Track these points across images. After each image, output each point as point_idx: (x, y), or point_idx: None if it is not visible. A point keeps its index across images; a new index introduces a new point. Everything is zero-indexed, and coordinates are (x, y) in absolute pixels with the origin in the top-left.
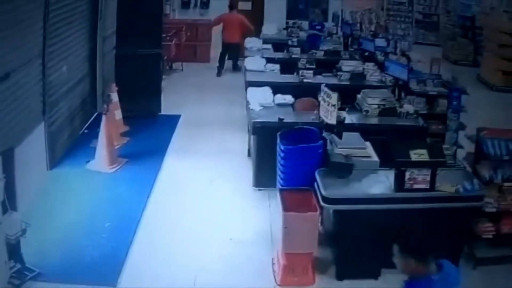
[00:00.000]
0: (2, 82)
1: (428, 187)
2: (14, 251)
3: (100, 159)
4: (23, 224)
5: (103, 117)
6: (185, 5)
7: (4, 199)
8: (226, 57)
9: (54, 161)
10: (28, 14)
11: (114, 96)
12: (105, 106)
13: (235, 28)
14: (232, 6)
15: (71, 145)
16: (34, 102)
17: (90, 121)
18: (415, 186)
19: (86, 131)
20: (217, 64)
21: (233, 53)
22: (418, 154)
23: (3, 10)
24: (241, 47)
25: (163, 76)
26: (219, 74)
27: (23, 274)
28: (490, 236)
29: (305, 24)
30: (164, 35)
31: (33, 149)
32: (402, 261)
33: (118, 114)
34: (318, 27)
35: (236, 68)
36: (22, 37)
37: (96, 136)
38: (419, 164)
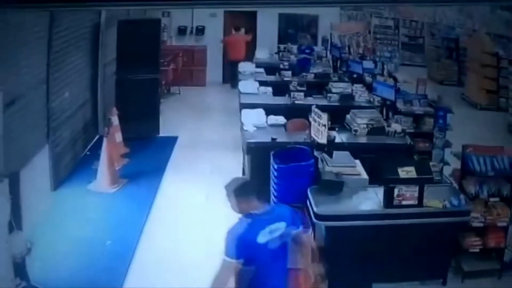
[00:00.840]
0: (8, 108)
1: (416, 203)
2: (19, 269)
3: (102, 180)
4: (28, 243)
5: (104, 140)
6: (182, 32)
7: (11, 219)
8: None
9: (58, 182)
10: (33, 43)
11: (115, 120)
12: (106, 129)
13: (240, 47)
14: (237, 28)
15: (74, 166)
16: (39, 126)
17: (92, 143)
18: (404, 202)
19: (88, 153)
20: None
21: (236, 70)
22: (406, 171)
23: (9, 39)
24: None
25: (161, 100)
26: (234, 86)
27: None
28: (477, 250)
29: (295, 48)
30: (162, 60)
31: (37, 171)
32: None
33: (119, 137)
34: (307, 51)
35: (235, 85)
36: (27, 65)
37: (97, 157)
38: (407, 181)
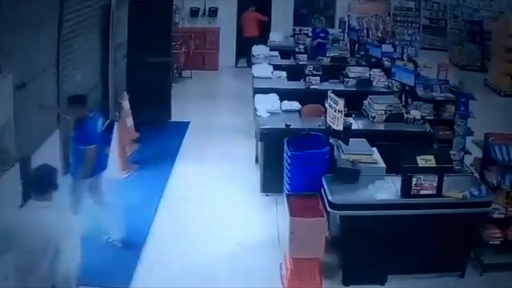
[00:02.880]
0: (19, 91)
1: (435, 193)
2: None
3: (113, 165)
4: None
5: (115, 124)
6: (194, 13)
7: (22, 203)
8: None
9: (68, 167)
10: (43, 25)
11: (126, 104)
12: (117, 113)
13: (255, 23)
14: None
15: None
16: (49, 110)
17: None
18: (422, 192)
19: None
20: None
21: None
22: (425, 160)
23: (19, 21)
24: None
25: (173, 84)
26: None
27: None
28: (498, 242)
29: (310, 31)
30: (173, 43)
31: (48, 155)
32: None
33: (130, 121)
34: (321, 35)
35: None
36: (38, 48)
37: (108, 143)
38: (426, 170)
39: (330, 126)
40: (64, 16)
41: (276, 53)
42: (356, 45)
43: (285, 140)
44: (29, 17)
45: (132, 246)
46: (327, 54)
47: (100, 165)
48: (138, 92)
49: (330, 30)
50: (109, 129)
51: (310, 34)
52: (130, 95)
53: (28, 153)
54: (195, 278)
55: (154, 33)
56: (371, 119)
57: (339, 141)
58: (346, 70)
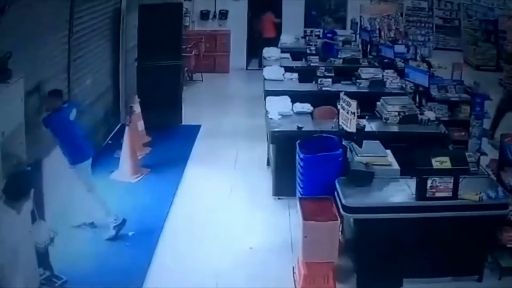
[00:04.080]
0: (30, 96)
1: (450, 195)
2: (43, 258)
3: (124, 169)
4: (51, 232)
5: (126, 128)
6: (204, 16)
7: (33, 208)
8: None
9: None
10: (54, 30)
11: (137, 108)
12: (128, 117)
13: (271, 25)
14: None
15: (95, 155)
16: None
17: (113, 132)
18: (437, 194)
19: (110, 141)
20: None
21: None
22: (440, 162)
23: (29, 26)
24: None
25: (184, 87)
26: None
27: (52, 281)
28: None
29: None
30: (184, 46)
31: (59, 160)
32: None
33: (141, 125)
34: (329, 35)
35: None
36: (48, 52)
37: (119, 146)
38: (441, 172)
39: (342, 128)
40: (75, 20)
41: (287, 55)
42: (368, 46)
43: (297, 143)
44: (39, 22)
45: (143, 249)
46: (339, 56)
47: (81, 154)
48: (149, 96)
49: (342, 32)
50: (120, 133)
51: (321, 35)
52: (141, 98)
53: (40, 157)
54: (207, 282)
55: (165, 37)
56: (384, 120)
57: (352, 143)
58: (359, 71)
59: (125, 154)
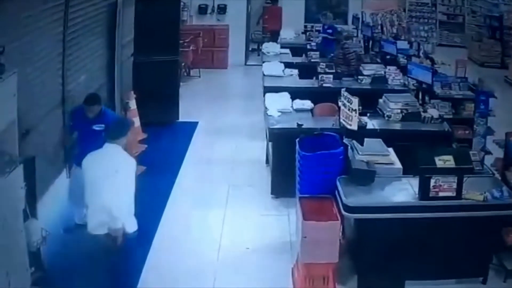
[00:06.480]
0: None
1: (454, 195)
2: (35, 258)
3: None
4: (43, 231)
5: None
6: (202, 10)
7: (25, 206)
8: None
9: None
10: (49, 24)
11: (132, 104)
12: (123, 113)
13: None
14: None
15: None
16: (54, 111)
17: None
18: (441, 194)
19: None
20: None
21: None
22: (444, 161)
23: (23, 20)
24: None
25: (181, 83)
26: None
27: (44, 281)
28: None
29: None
30: (181, 41)
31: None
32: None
33: (136, 122)
34: (328, 31)
35: None
36: (42, 46)
37: None
38: (444, 171)
39: (344, 126)
40: (70, 14)
41: (287, 50)
42: (370, 42)
43: (297, 141)
44: (33, 16)
45: (139, 248)
46: None
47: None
48: (145, 92)
49: (344, 27)
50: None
51: (321, 31)
52: (137, 94)
53: (32, 154)
54: (203, 283)
55: (162, 31)
56: (386, 118)
57: (354, 141)
58: (360, 67)
59: None
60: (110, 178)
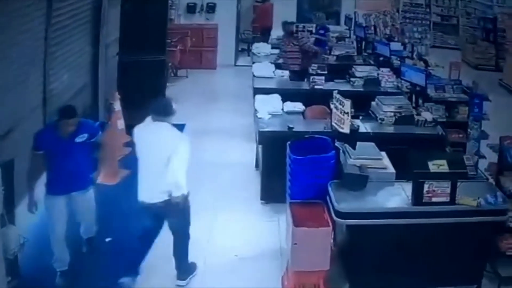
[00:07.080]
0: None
1: (448, 200)
2: (11, 266)
3: (102, 170)
4: (21, 238)
5: (105, 127)
6: (191, 9)
7: (3, 212)
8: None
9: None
10: (30, 20)
11: (117, 105)
12: (107, 115)
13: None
14: None
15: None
16: (35, 111)
17: None
18: (434, 199)
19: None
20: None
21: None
22: (437, 165)
23: (5, 17)
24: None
25: (168, 84)
26: None
27: None
28: None
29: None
30: (168, 40)
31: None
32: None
33: (121, 124)
34: (321, 31)
35: None
36: (24, 43)
37: (97, 146)
38: (438, 176)
39: (335, 129)
40: (53, 12)
41: (277, 51)
42: (363, 43)
43: (287, 144)
44: (14, 12)
45: (122, 256)
46: (332, 53)
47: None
48: (130, 93)
49: (336, 28)
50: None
51: (313, 31)
52: (121, 95)
53: (11, 157)
54: None
55: (148, 30)
56: (379, 121)
57: (346, 144)
58: (353, 69)
59: (103, 154)
60: (173, 154)
